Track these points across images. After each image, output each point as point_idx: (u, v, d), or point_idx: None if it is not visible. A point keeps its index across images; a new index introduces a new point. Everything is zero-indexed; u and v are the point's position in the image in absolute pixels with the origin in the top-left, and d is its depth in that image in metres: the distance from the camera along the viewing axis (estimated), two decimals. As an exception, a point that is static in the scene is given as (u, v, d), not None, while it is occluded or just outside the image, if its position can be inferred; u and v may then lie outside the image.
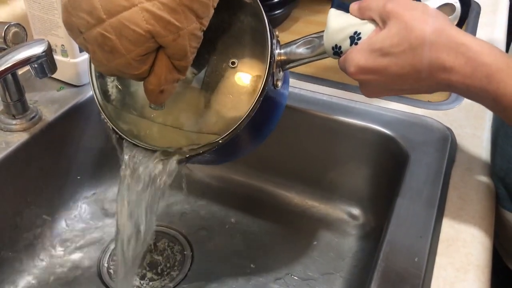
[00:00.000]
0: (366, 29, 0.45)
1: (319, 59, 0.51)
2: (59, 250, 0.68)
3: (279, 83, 0.51)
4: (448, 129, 0.65)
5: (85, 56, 0.69)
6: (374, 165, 0.69)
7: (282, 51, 0.51)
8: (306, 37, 0.51)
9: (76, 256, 0.68)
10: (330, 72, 0.77)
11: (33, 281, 0.65)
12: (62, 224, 0.71)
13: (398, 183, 0.58)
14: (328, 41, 0.48)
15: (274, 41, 0.50)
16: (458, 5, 0.47)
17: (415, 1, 0.44)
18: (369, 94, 0.48)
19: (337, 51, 0.48)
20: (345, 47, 0.47)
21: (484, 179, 0.58)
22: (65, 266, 0.67)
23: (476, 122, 0.66)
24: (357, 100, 0.70)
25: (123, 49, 0.41)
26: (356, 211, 0.73)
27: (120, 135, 0.52)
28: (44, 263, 0.67)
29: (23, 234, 0.66)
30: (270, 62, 0.48)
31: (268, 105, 0.51)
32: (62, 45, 0.67)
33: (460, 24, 0.47)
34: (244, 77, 0.50)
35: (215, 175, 0.80)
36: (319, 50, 0.50)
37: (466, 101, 0.69)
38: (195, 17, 0.42)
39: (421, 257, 0.48)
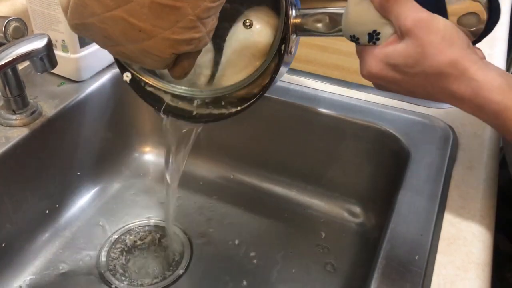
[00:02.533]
0: (386, 31, 0.45)
1: (334, 36, 0.51)
2: (59, 246, 0.68)
3: (293, 49, 0.51)
4: (450, 127, 0.64)
5: (86, 51, 0.69)
6: (376, 163, 0.69)
7: (299, 18, 0.50)
8: (326, 11, 0.50)
9: (76, 251, 0.68)
10: (332, 69, 0.77)
11: (33, 277, 0.64)
12: (62, 220, 0.71)
13: (399, 181, 0.58)
14: (347, 29, 0.47)
15: (292, 5, 0.50)
16: (485, 16, 0.44)
17: (437, 18, 0.42)
18: (377, 87, 0.49)
19: (354, 40, 0.47)
20: (362, 41, 0.46)
21: (485, 177, 0.58)
22: (65, 262, 0.66)
23: (478, 121, 0.64)
24: (359, 98, 0.70)
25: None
26: (357, 209, 0.73)
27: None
28: (44, 259, 0.67)
29: (23, 229, 0.66)
30: (287, 25, 0.49)
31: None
32: (63, 40, 0.67)
33: (483, 36, 0.45)
34: (261, 37, 0.51)
35: (216, 173, 0.80)
36: (336, 30, 0.49)
37: (467, 100, 0.69)
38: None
39: (421, 255, 0.48)
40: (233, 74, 0.53)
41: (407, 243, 0.50)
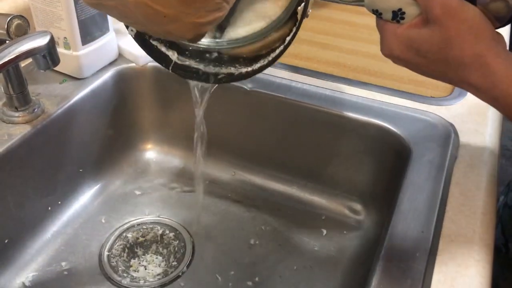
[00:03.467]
0: (412, 11, 0.44)
1: (355, 5, 0.50)
2: (62, 242, 0.69)
3: (309, 12, 0.50)
4: (451, 124, 0.65)
5: (88, 49, 0.69)
6: (377, 160, 0.69)
7: None
8: None
9: (79, 248, 0.68)
10: (333, 67, 0.77)
11: (36, 273, 0.65)
12: (64, 216, 0.71)
13: (400, 178, 0.58)
14: (371, 2, 0.46)
15: None
16: None
17: (466, 6, 0.41)
18: (395, 63, 0.48)
19: (376, 14, 0.46)
20: (385, 17, 0.45)
21: (486, 175, 0.58)
22: (67, 258, 0.67)
23: (479, 118, 0.66)
24: (360, 95, 0.70)
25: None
26: (358, 206, 0.73)
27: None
28: (46, 255, 0.67)
29: (25, 226, 0.66)
30: None
31: None
32: (65, 37, 0.67)
33: (508, 22, 0.44)
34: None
35: (217, 170, 0.80)
36: (355, 1, 0.48)
37: (468, 97, 0.69)
38: None
39: (422, 252, 0.48)
40: (244, 27, 0.51)
41: (408, 240, 0.50)
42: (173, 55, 0.53)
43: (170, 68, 0.53)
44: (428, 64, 0.44)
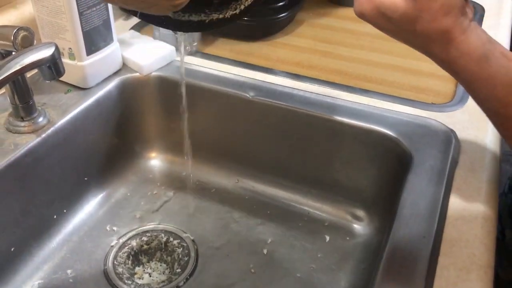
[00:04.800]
0: None
1: None
2: (67, 250, 0.69)
3: None
4: (452, 131, 0.65)
5: (92, 59, 0.71)
6: (378, 166, 0.69)
7: None
8: None
9: (84, 256, 0.69)
10: (334, 75, 0.77)
11: (41, 281, 0.65)
12: (69, 225, 0.72)
13: (402, 184, 0.58)
14: None
15: None
16: None
17: None
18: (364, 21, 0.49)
19: None
20: None
21: (487, 180, 0.58)
22: (72, 266, 0.67)
23: (479, 124, 0.66)
24: (361, 102, 0.70)
25: None
26: (360, 212, 0.73)
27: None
28: (52, 263, 0.68)
29: (31, 234, 0.67)
30: None
31: None
32: (70, 48, 0.68)
33: None
34: None
35: (221, 178, 0.80)
36: None
37: (469, 103, 0.70)
38: None
39: (424, 257, 0.49)
40: None
41: (410, 245, 0.50)
42: None
43: (137, 15, 0.52)
44: (397, 32, 0.46)
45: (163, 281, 0.66)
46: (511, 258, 0.76)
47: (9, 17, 0.73)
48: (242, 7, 0.50)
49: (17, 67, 0.53)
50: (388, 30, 0.46)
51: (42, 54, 0.55)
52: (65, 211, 0.71)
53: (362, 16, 0.47)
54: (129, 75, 0.77)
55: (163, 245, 0.71)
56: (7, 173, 0.61)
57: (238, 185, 0.80)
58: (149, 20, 0.53)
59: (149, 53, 0.78)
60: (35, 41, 0.60)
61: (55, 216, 0.70)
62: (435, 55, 0.46)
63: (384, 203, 0.68)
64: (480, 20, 0.92)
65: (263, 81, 0.75)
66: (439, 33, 0.44)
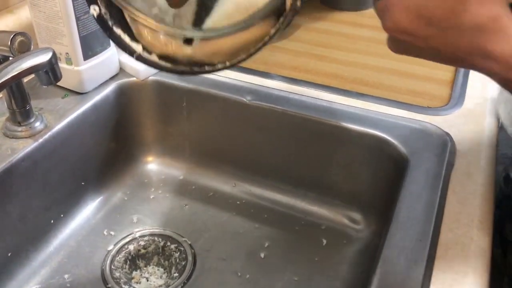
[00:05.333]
0: None
1: None
2: (64, 255, 0.69)
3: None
4: (447, 134, 0.65)
5: (89, 64, 0.71)
6: (374, 170, 0.70)
7: None
8: None
9: (81, 260, 0.69)
10: (330, 78, 0.78)
11: (39, 286, 0.65)
12: (67, 229, 0.72)
13: (398, 188, 0.59)
14: None
15: None
16: None
17: None
18: (397, 51, 0.44)
19: None
20: None
21: (483, 183, 0.58)
22: (70, 271, 0.67)
23: (475, 128, 0.67)
24: (358, 106, 0.71)
25: None
26: (357, 215, 0.74)
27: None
28: (49, 268, 0.67)
29: (28, 239, 0.67)
30: None
31: None
32: (67, 53, 0.69)
33: None
34: None
35: (218, 181, 0.81)
36: None
37: (465, 107, 0.70)
38: None
39: (420, 261, 0.49)
40: (222, 19, 0.47)
41: (406, 249, 0.50)
42: (137, 47, 0.49)
43: (134, 57, 0.49)
44: (440, 35, 0.40)
45: (160, 286, 0.66)
46: None
47: (6, 22, 0.73)
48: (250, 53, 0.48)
49: (14, 72, 0.54)
50: (430, 37, 0.40)
51: (39, 59, 0.55)
52: (62, 215, 0.71)
53: (397, 27, 0.41)
54: (126, 79, 0.77)
55: (160, 250, 0.71)
56: (4, 178, 0.61)
57: (235, 189, 0.80)
58: (144, 62, 0.49)
59: (146, 57, 0.78)
60: (32, 46, 0.60)
61: (52, 221, 0.70)
62: (491, 54, 0.39)
63: (381, 207, 0.68)
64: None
65: (260, 85, 0.75)
66: (490, 19, 0.38)
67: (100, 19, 0.48)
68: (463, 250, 0.50)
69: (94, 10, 0.48)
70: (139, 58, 0.49)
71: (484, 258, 0.50)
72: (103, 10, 0.48)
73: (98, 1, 0.47)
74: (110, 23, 0.48)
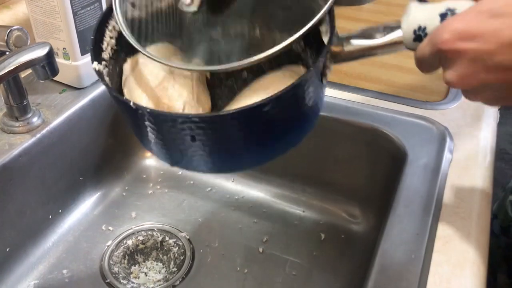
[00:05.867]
0: (462, 5, 0.37)
1: (384, 53, 0.43)
2: (63, 250, 0.69)
3: (324, 80, 0.45)
4: (446, 128, 0.65)
5: (87, 59, 0.70)
6: (373, 164, 0.70)
7: (340, 45, 0.43)
8: (369, 27, 0.43)
9: (79, 255, 0.69)
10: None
11: (37, 281, 0.65)
12: (65, 225, 0.72)
13: (396, 182, 0.59)
14: (409, 23, 0.40)
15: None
16: None
17: None
18: (473, 97, 0.39)
19: (419, 35, 0.39)
20: (433, 27, 0.38)
21: (481, 177, 0.58)
22: (68, 266, 0.67)
23: (473, 122, 0.67)
24: (356, 100, 0.71)
25: None
26: (355, 210, 0.73)
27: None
28: (47, 263, 0.67)
29: (27, 234, 0.67)
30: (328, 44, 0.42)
31: (308, 98, 0.44)
32: (64, 48, 0.68)
33: None
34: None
35: (216, 177, 0.80)
36: (389, 38, 0.41)
37: (463, 101, 0.70)
38: None
39: (418, 254, 0.49)
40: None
41: (404, 243, 0.50)
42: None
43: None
44: (506, 27, 0.33)
45: (159, 280, 0.66)
46: None
47: (3, 17, 0.73)
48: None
49: (11, 67, 0.53)
50: (504, 30, 0.33)
51: (36, 53, 0.55)
52: (60, 211, 0.71)
53: (457, 33, 0.35)
54: (123, 74, 0.77)
55: (159, 244, 0.71)
56: (2, 173, 0.61)
57: (233, 184, 0.80)
58: None
59: (144, 52, 0.77)
60: (29, 42, 0.60)
61: (50, 216, 0.70)
62: None
63: (379, 201, 0.68)
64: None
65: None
66: None
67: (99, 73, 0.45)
68: (461, 243, 0.50)
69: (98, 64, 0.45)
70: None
71: (482, 252, 0.50)
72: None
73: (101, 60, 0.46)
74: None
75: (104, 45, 0.47)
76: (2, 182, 0.61)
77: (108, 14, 0.47)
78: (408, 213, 0.54)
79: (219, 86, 0.51)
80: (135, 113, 0.41)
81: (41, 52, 0.55)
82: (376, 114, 0.68)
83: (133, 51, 0.47)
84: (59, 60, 0.68)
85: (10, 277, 0.64)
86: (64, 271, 0.67)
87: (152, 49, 0.47)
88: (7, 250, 0.64)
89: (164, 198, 0.78)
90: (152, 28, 0.48)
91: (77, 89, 0.72)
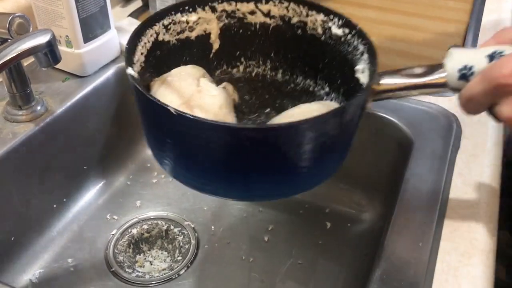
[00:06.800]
0: (509, 48, 0.38)
1: (422, 93, 0.44)
2: (67, 239, 0.69)
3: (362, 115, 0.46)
4: (453, 115, 0.64)
5: (90, 46, 0.70)
6: (380, 152, 0.69)
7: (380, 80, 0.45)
8: (408, 66, 0.44)
9: (84, 244, 0.69)
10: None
11: (42, 270, 0.65)
12: (69, 213, 0.72)
13: (403, 170, 0.58)
14: (454, 63, 0.40)
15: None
16: None
17: None
18: None
19: (465, 73, 0.40)
20: (480, 66, 0.39)
21: (489, 165, 0.58)
22: (73, 255, 0.67)
23: (481, 109, 0.66)
24: (362, 87, 0.70)
25: None
26: (361, 198, 0.73)
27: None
28: (52, 252, 0.67)
29: (31, 223, 0.66)
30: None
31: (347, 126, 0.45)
32: (67, 35, 0.68)
33: None
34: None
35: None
36: (431, 77, 0.42)
37: (471, 88, 0.69)
38: None
39: (425, 242, 0.48)
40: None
41: (411, 231, 0.50)
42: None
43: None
44: None
45: (164, 269, 0.66)
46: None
47: (5, 5, 0.72)
48: None
49: (13, 54, 0.53)
50: None
51: (37, 40, 0.54)
52: (64, 200, 0.71)
53: None
54: (127, 62, 0.76)
55: (163, 233, 0.71)
56: (6, 162, 0.60)
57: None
58: None
59: (147, 40, 0.77)
60: (31, 29, 0.59)
61: (54, 205, 0.70)
62: None
63: (386, 189, 0.68)
64: (481, 4, 0.91)
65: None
66: None
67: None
68: (468, 231, 0.50)
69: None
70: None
71: (490, 240, 0.49)
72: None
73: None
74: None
75: (135, 59, 0.47)
76: (6, 171, 0.61)
77: (144, 28, 0.49)
78: (415, 201, 0.53)
79: (248, 113, 0.53)
80: (177, 122, 0.39)
81: (43, 39, 0.55)
82: (382, 101, 0.67)
83: (159, 73, 0.50)
84: (62, 48, 0.67)
85: (15, 266, 0.64)
86: (69, 260, 0.67)
87: (182, 69, 0.51)
88: (12, 239, 0.64)
89: (169, 187, 0.78)
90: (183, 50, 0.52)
91: (80, 77, 0.72)
